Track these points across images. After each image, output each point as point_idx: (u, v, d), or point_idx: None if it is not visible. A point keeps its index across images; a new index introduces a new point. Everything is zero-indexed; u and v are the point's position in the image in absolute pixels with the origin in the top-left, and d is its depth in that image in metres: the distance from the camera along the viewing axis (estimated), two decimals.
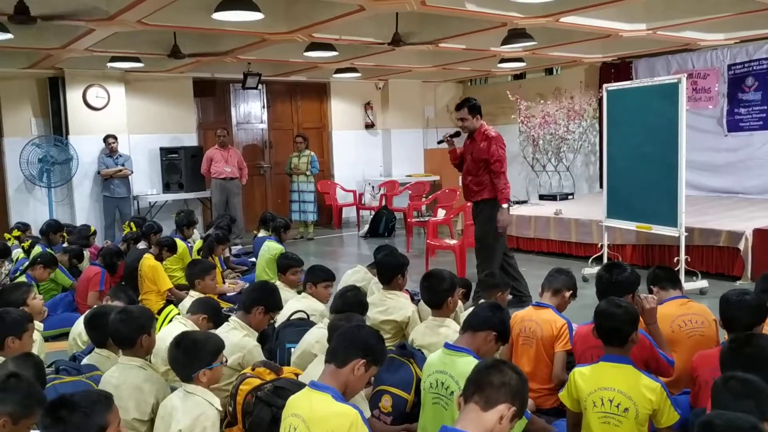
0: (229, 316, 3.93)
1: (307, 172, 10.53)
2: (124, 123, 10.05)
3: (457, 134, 6.26)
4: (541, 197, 10.81)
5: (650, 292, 3.86)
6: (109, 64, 8.95)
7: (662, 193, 6.49)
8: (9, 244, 7.15)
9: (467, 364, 2.70)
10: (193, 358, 2.89)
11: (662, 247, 7.32)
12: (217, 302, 4.61)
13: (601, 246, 7.33)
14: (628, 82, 8.56)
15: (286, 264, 5.20)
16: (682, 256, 6.35)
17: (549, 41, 8.70)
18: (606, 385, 2.82)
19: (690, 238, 6.72)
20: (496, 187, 5.90)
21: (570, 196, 10.67)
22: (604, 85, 7.43)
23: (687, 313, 3.65)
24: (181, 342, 2.97)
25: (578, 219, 8.21)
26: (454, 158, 6.30)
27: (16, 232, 7.84)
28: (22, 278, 5.69)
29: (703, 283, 6.48)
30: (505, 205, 5.90)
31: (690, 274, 6.53)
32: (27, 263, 6.35)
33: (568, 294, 3.87)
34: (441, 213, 9.06)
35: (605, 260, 7.09)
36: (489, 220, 5.96)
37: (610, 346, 2.94)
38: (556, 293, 3.85)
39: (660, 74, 10.06)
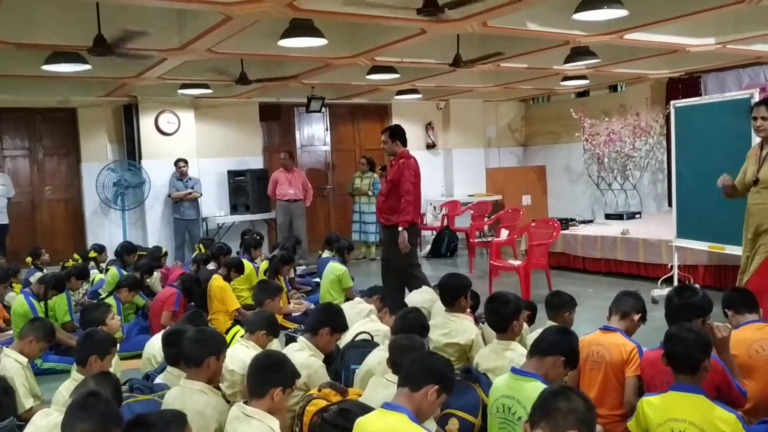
0: (296, 337, 4.00)
1: (369, 193, 10.62)
2: (194, 147, 10.40)
3: (384, 167, 6.50)
4: (607, 216, 10.59)
5: (725, 315, 3.73)
6: (180, 91, 9.29)
7: (735, 212, 6.25)
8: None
9: (535, 389, 2.68)
10: (277, 373, 2.97)
11: (737, 268, 7.01)
12: (271, 314, 4.48)
13: (671, 267, 7.11)
14: (697, 98, 8.34)
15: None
16: None
17: (613, 58, 8.57)
18: (676, 416, 2.73)
19: None
20: (398, 209, 6.12)
21: (637, 215, 10.41)
22: (672, 102, 7.26)
23: (764, 337, 3.50)
24: (273, 354, 3.10)
25: (646, 239, 7.99)
26: None
27: (92, 254, 8.20)
28: (110, 300, 5.98)
29: None
30: (400, 228, 6.10)
31: None
32: (108, 285, 6.64)
33: (637, 317, 3.77)
34: (504, 233, 8.95)
35: (675, 282, 6.89)
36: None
37: (680, 373, 2.84)
38: (624, 316, 3.76)
39: (730, 89, 9.75)
